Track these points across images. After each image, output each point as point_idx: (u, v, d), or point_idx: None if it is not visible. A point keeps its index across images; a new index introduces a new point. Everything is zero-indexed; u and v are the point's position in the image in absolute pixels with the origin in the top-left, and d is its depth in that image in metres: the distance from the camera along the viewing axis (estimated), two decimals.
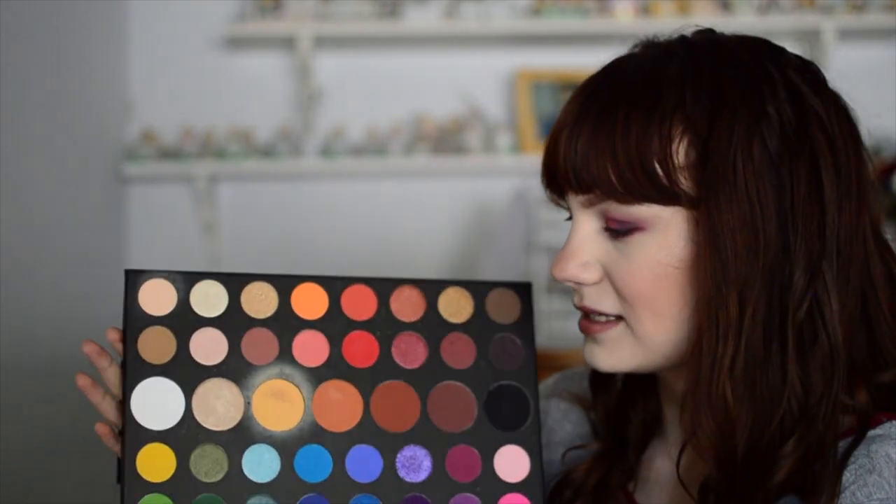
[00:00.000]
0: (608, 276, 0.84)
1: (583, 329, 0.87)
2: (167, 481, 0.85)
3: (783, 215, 0.79)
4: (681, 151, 0.79)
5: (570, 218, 0.86)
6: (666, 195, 0.80)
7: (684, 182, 0.80)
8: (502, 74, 2.91)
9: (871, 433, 0.80)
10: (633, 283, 0.82)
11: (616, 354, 0.85)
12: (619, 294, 0.83)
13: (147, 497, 0.85)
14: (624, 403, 0.96)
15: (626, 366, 0.86)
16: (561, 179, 0.83)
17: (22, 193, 2.23)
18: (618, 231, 0.82)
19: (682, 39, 0.85)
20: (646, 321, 0.83)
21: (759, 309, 0.79)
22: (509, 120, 2.89)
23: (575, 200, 0.84)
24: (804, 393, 0.80)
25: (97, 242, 2.67)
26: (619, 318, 0.85)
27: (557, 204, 0.88)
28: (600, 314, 0.85)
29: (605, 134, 0.80)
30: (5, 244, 2.13)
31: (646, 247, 0.81)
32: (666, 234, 0.81)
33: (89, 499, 2.33)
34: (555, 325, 2.50)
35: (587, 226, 0.84)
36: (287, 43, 2.80)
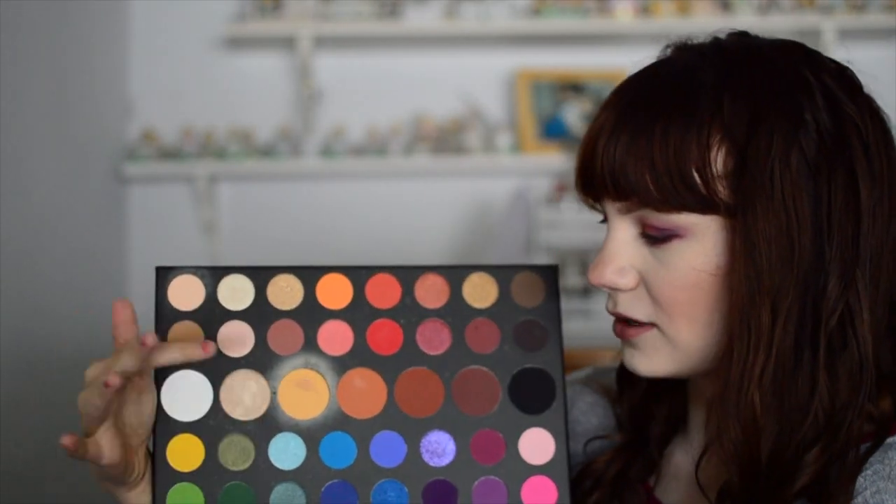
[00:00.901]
0: (644, 282, 0.84)
1: (618, 334, 0.87)
2: (196, 470, 0.88)
3: (819, 224, 0.79)
4: (719, 160, 0.79)
5: (605, 220, 0.86)
6: (704, 204, 0.80)
7: (722, 191, 0.79)
8: (502, 74, 2.91)
9: (890, 440, 0.80)
10: (670, 290, 0.82)
11: (654, 359, 0.85)
12: (655, 301, 0.83)
13: (177, 486, 0.87)
14: (649, 399, 0.97)
15: (665, 370, 0.86)
16: (598, 185, 0.84)
17: (22, 193, 2.23)
18: (655, 238, 0.82)
19: (717, 44, 0.85)
20: (681, 327, 0.83)
21: (792, 318, 0.79)
22: (509, 120, 2.89)
23: (612, 207, 0.84)
24: (831, 401, 0.79)
25: (97, 242, 2.67)
26: (652, 324, 0.85)
27: (592, 207, 0.88)
28: (633, 321, 0.85)
29: (643, 142, 0.80)
30: (6, 244, 2.13)
31: (683, 254, 0.81)
32: (703, 242, 0.81)
33: (89, 499, 2.33)
34: None
35: (624, 232, 0.84)
36: (287, 43, 2.80)
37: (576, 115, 2.85)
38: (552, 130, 2.84)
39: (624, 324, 0.86)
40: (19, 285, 2.17)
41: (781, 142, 0.78)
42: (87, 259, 2.57)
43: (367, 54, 2.87)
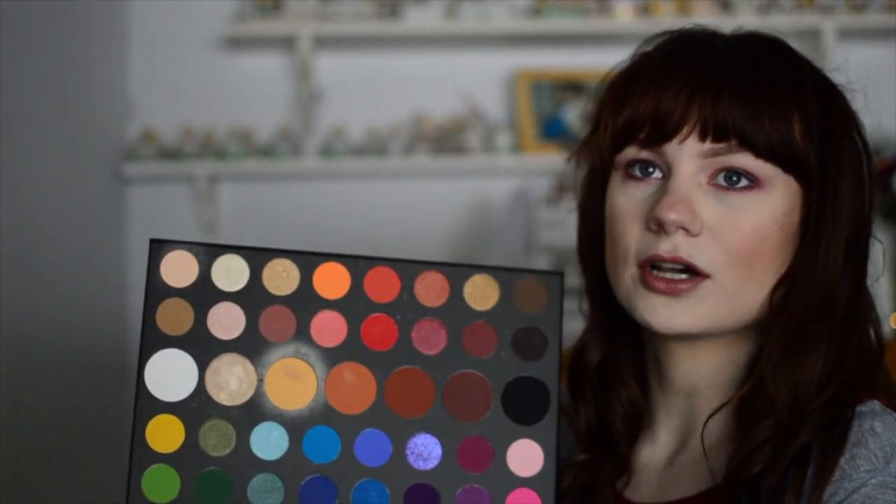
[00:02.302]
0: (711, 229, 0.86)
1: (661, 289, 0.87)
2: (174, 452, 0.85)
3: (870, 198, 0.91)
4: (804, 130, 0.87)
5: (640, 173, 0.89)
6: (794, 162, 0.87)
7: (808, 155, 0.87)
8: (502, 74, 2.91)
9: (858, 409, 0.85)
10: (742, 239, 0.86)
11: (699, 311, 0.87)
12: (724, 248, 0.86)
13: (154, 467, 0.85)
14: (600, 403, 0.98)
15: (705, 324, 0.87)
16: (677, 126, 0.87)
17: (22, 193, 2.23)
18: (732, 185, 0.86)
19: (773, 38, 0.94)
20: (738, 279, 0.86)
21: (852, 278, 0.89)
22: (509, 120, 2.89)
23: (685, 149, 0.87)
24: (847, 354, 0.88)
25: (97, 242, 2.67)
26: (704, 276, 0.87)
27: (630, 161, 0.90)
28: (692, 269, 0.86)
29: (753, 100, 0.86)
30: (5, 244, 2.13)
31: (758, 206, 0.86)
32: (775, 198, 0.87)
33: (90, 498, 2.33)
34: None
35: (692, 177, 0.87)
36: (287, 43, 2.80)
37: (576, 115, 2.85)
38: (552, 130, 2.84)
39: (672, 281, 0.87)
40: (19, 285, 2.17)
41: (849, 123, 0.91)
42: (87, 259, 2.57)
43: (367, 54, 2.87)
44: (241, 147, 2.79)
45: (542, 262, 2.61)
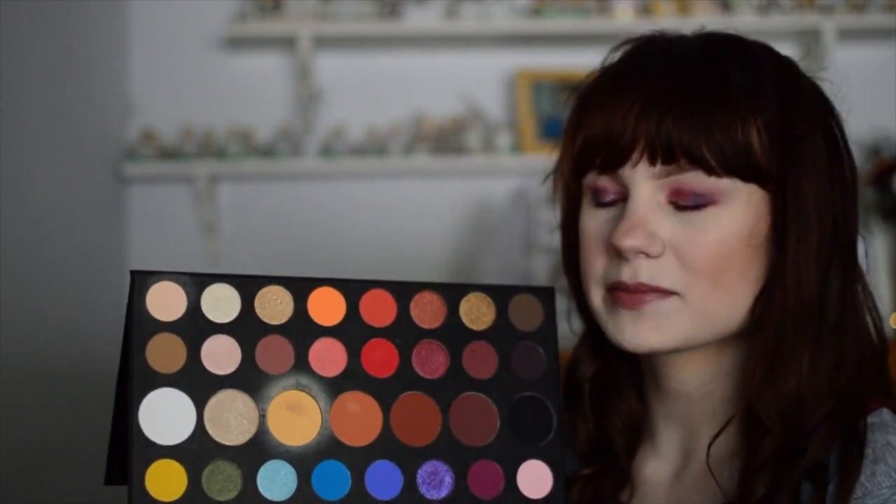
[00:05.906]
0: (674, 249, 0.85)
1: (626, 303, 0.86)
2: (178, 500, 0.79)
3: (850, 193, 0.88)
4: (762, 134, 0.85)
5: (602, 201, 0.87)
6: (752, 171, 0.84)
7: (768, 161, 0.84)
8: (502, 74, 2.91)
9: (868, 421, 0.83)
10: (705, 256, 0.84)
11: (666, 329, 0.86)
12: (688, 267, 0.84)
13: None
14: (599, 417, 0.96)
15: (675, 341, 0.86)
16: (628, 151, 0.84)
17: (22, 193, 2.23)
18: (688, 205, 0.84)
19: (725, 36, 0.91)
20: (708, 295, 0.84)
21: (837, 280, 0.86)
22: (509, 120, 2.90)
23: (639, 172, 0.85)
24: (844, 367, 0.86)
25: (97, 242, 2.67)
26: (673, 294, 0.85)
27: (592, 187, 0.88)
28: (657, 291, 0.85)
29: (701, 115, 0.83)
30: (5, 244, 2.13)
31: (718, 220, 0.84)
32: (738, 209, 0.85)
33: (89, 499, 2.32)
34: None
35: (650, 197, 0.85)
36: (287, 43, 2.80)
37: None
38: (552, 130, 2.84)
39: (636, 293, 0.85)
40: (19, 285, 2.17)
41: (817, 116, 0.87)
42: (87, 259, 2.57)
43: (367, 54, 2.87)
44: (241, 147, 2.79)
45: (542, 262, 2.61)
